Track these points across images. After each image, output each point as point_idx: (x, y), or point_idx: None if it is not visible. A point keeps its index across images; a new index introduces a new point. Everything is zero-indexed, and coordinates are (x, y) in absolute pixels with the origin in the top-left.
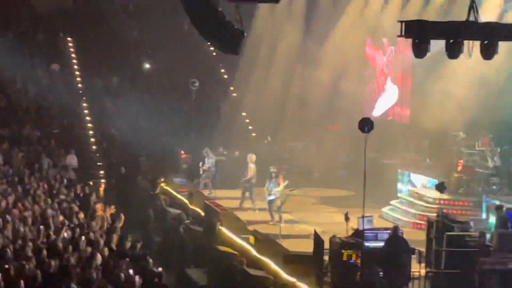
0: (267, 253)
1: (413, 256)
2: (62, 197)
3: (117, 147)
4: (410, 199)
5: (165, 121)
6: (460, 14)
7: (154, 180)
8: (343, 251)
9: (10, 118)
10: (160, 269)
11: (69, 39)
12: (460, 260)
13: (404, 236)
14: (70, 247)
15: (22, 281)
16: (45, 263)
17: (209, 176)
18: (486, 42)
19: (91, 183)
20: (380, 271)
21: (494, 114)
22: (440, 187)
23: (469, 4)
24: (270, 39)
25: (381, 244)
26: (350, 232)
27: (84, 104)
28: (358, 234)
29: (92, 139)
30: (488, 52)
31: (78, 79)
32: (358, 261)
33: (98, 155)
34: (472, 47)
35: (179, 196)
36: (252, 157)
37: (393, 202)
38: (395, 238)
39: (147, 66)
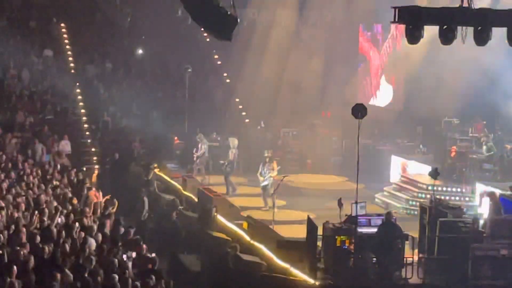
0: (260, 239)
1: (406, 242)
2: (56, 183)
3: (111, 133)
4: (403, 185)
5: (158, 107)
6: (453, 0)
7: (148, 166)
8: (336, 237)
9: (3, 104)
10: (153, 254)
11: (62, 25)
12: (453, 246)
13: (397, 222)
14: (64, 233)
15: (14, 266)
16: (38, 248)
17: (203, 162)
18: (479, 28)
19: (84, 169)
20: (373, 257)
21: (488, 101)
22: (433, 173)
23: None
24: (263, 26)
25: (374, 230)
26: (344, 218)
27: (78, 90)
28: (351, 220)
29: (86, 125)
30: (481, 38)
31: (72, 65)
32: (351, 247)
33: (91, 141)
34: (466, 33)
35: (172, 182)
36: (234, 141)
37: (386, 188)
38: (388, 224)
39: (140, 52)
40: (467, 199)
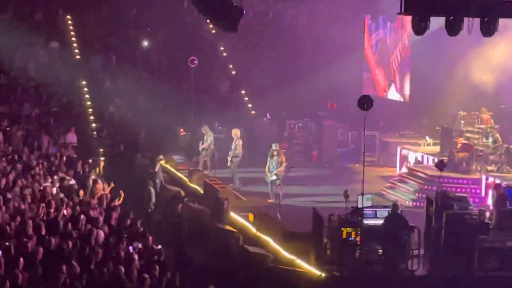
0: (266, 231)
1: (412, 234)
2: (62, 174)
3: (116, 125)
4: (409, 177)
5: (164, 99)
6: None
7: (153, 158)
8: (342, 228)
9: (10, 96)
10: (159, 246)
11: (68, 17)
12: (459, 238)
13: (403, 214)
14: (70, 225)
15: (21, 258)
16: (45, 240)
17: (208, 155)
18: (486, 19)
19: (90, 161)
20: (379, 249)
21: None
22: (440, 165)
23: None
24: (269, 17)
25: (380, 221)
26: (349, 210)
27: (83, 82)
28: (357, 211)
29: (91, 117)
30: (488, 29)
31: (77, 57)
32: (357, 238)
33: (97, 133)
34: (472, 24)
35: (178, 173)
36: (237, 132)
37: (392, 180)
38: (394, 216)
39: (146, 44)
40: (473, 190)
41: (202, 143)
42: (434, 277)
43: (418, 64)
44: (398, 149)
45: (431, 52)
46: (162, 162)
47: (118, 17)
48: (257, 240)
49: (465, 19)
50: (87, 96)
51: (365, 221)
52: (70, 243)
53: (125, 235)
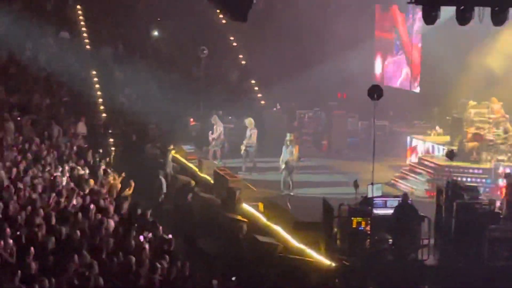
0: (276, 220)
1: (422, 223)
2: (72, 164)
3: (126, 115)
4: (420, 167)
5: (174, 89)
6: None
7: (164, 147)
8: (352, 218)
9: (20, 86)
10: (170, 236)
11: (78, 7)
12: (470, 227)
13: (413, 203)
14: (81, 214)
15: (32, 248)
16: (56, 230)
17: (218, 145)
18: (496, 8)
19: (100, 150)
20: (389, 239)
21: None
22: (450, 155)
23: None
24: (279, 7)
25: (391, 211)
26: (360, 200)
27: (93, 72)
28: (368, 201)
29: (102, 107)
30: (499, 18)
31: (88, 47)
32: (367, 228)
33: (107, 122)
34: (483, 14)
35: (188, 163)
36: (251, 121)
37: (402, 170)
38: (405, 205)
39: (156, 33)
40: (483, 180)
41: (212, 133)
42: (444, 267)
43: (429, 53)
44: (408, 139)
45: (442, 41)
46: (173, 152)
47: (128, 7)
48: (267, 229)
49: (476, 8)
50: (97, 86)
51: (375, 211)
52: (80, 233)
53: (136, 225)
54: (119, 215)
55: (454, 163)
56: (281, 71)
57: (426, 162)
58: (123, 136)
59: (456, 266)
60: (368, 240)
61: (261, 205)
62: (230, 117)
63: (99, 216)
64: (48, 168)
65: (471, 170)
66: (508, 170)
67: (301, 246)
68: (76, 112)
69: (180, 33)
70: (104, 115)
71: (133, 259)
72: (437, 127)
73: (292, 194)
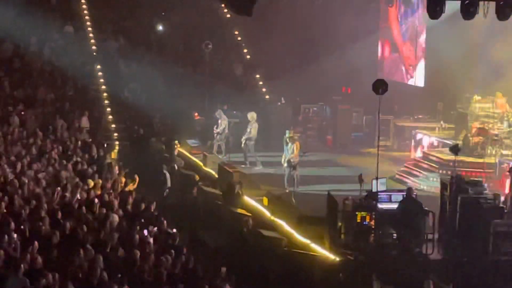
0: (280, 215)
1: (427, 218)
2: (77, 159)
3: (131, 109)
4: (424, 161)
5: (178, 83)
6: None
7: (169, 142)
8: (356, 213)
9: (25, 80)
10: (174, 230)
11: (83, 1)
12: (474, 222)
13: (418, 198)
14: (85, 209)
15: (36, 242)
16: (60, 224)
17: (223, 139)
18: (501, 2)
19: (105, 145)
20: (393, 233)
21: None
22: (454, 149)
23: None
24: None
25: (395, 206)
26: (364, 194)
27: (98, 66)
28: (372, 196)
29: (106, 101)
30: (504, 13)
31: (92, 41)
32: (372, 222)
33: (112, 117)
34: (488, 8)
35: (193, 158)
36: (253, 115)
37: (407, 164)
38: (409, 200)
39: (160, 28)
40: (488, 175)
41: (216, 128)
42: (448, 261)
43: (434, 47)
44: (413, 133)
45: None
46: (178, 147)
47: (132, 1)
48: (272, 224)
49: (480, 2)
50: (102, 80)
51: (380, 205)
52: (85, 227)
53: (140, 219)
54: (124, 209)
55: (459, 158)
56: (285, 65)
57: (430, 157)
58: (128, 131)
59: (460, 261)
60: (373, 234)
61: (265, 200)
62: (234, 112)
63: (104, 210)
64: (52, 162)
65: (475, 165)
66: None
67: (306, 241)
68: (81, 107)
69: (184, 27)
70: (109, 109)
71: (138, 253)
72: (441, 122)
73: (297, 190)
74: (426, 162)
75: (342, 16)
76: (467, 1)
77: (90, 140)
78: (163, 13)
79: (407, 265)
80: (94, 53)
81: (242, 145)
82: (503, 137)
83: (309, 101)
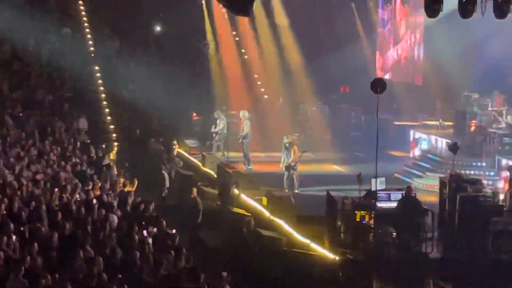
0: (280, 214)
1: (426, 216)
2: (76, 160)
3: (129, 110)
4: (423, 160)
5: (177, 84)
6: None
7: (168, 142)
8: (356, 212)
9: (23, 82)
10: (174, 230)
11: (80, 2)
12: (473, 220)
13: (417, 196)
14: (84, 210)
15: (36, 244)
16: (59, 225)
17: (221, 139)
18: (499, 0)
19: (104, 146)
20: (393, 232)
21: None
22: (453, 148)
23: None
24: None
25: (394, 204)
26: (363, 193)
27: (96, 68)
28: (371, 194)
29: (105, 102)
30: (501, 11)
31: (90, 42)
32: (371, 221)
33: (110, 118)
34: (485, 6)
35: (191, 158)
36: (245, 113)
37: (406, 163)
38: (408, 198)
39: (158, 28)
40: (487, 173)
41: (215, 127)
42: (448, 260)
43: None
44: (412, 132)
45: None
46: (176, 147)
47: (130, 2)
48: (271, 223)
49: (478, 1)
50: (100, 81)
51: (379, 204)
52: (84, 228)
53: (139, 220)
54: (123, 210)
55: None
56: (283, 65)
57: (429, 156)
58: (127, 131)
59: (460, 259)
60: (372, 233)
61: (264, 200)
62: (233, 112)
63: (103, 211)
64: (51, 163)
65: (474, 163)
66: (511, 163)
67: (305, 240)
68: (79, 108)
69: (182, 28)
70: (107, 110)
71: (138, 254)
72: (440, 120)
73: (296, 191)
74: (424, 160)
75: (339, 16)
76: (464, 0)
77: (89, 141)
78: (160, 14)
79: (406, 264)
80: (92, 54)
81: (240, 143)
82: (502, 135)
83: (307, 101)
